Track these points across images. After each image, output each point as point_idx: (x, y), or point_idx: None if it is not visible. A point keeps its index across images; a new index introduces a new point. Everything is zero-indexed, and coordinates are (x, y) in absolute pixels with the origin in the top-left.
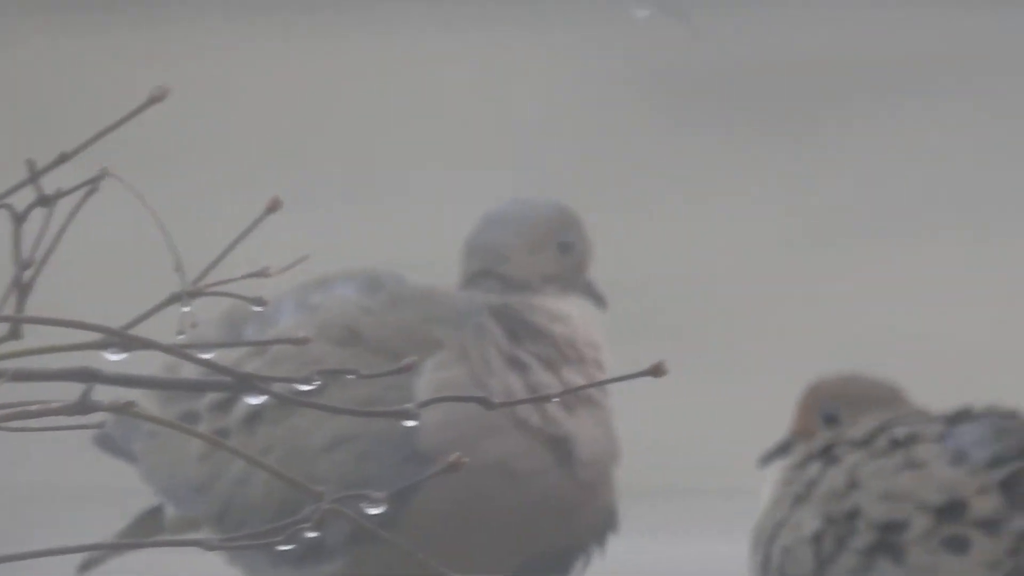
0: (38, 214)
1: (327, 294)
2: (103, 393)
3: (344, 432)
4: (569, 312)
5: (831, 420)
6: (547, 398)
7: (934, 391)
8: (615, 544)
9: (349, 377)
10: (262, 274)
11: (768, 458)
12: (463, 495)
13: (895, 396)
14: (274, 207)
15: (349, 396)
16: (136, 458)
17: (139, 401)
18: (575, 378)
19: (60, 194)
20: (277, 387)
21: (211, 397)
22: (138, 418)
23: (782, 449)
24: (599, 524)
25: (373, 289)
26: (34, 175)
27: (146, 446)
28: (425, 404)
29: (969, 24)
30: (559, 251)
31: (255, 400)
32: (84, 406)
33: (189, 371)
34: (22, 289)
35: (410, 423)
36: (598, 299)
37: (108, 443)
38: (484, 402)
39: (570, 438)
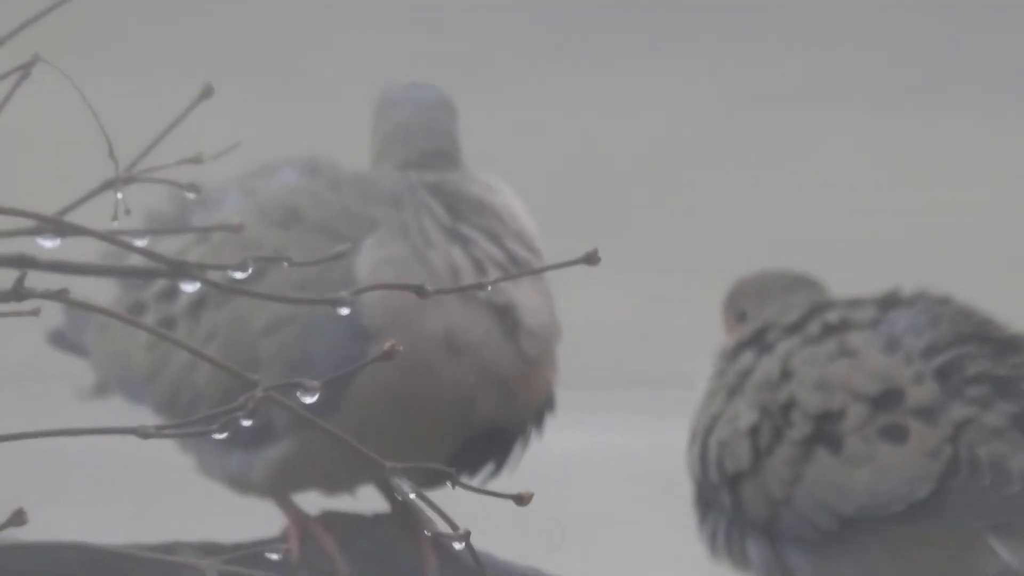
0: None
1: (269, 180)
2: (38, 280)
3: (285, 313)
4: (503, 187)
5: (742, 317)
6: (481, 286)
7: (868, 274)
8: (549, 434)
9: (284, 264)
10: (196, 160)
11: None
12: (407, 370)
13: (810, 287)
14: (207, 94)
15: (288, 278)
16: (88, 353)
17: (75, 290)
18: (518, 249)
19: None
20: (213, 274)
21: (157, 286)
22: (71, 305)
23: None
24: (540, 401)
25: (313, 173)
26: None
27: (96, 338)
28: (359, 291)
29: None
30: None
31: (190, 287)
32: (18, 293)
33: (136, 260)
34: None
35: (344, 310)
36: None
37: (61, 340)
38: (419, 290)
39: (515, 307)
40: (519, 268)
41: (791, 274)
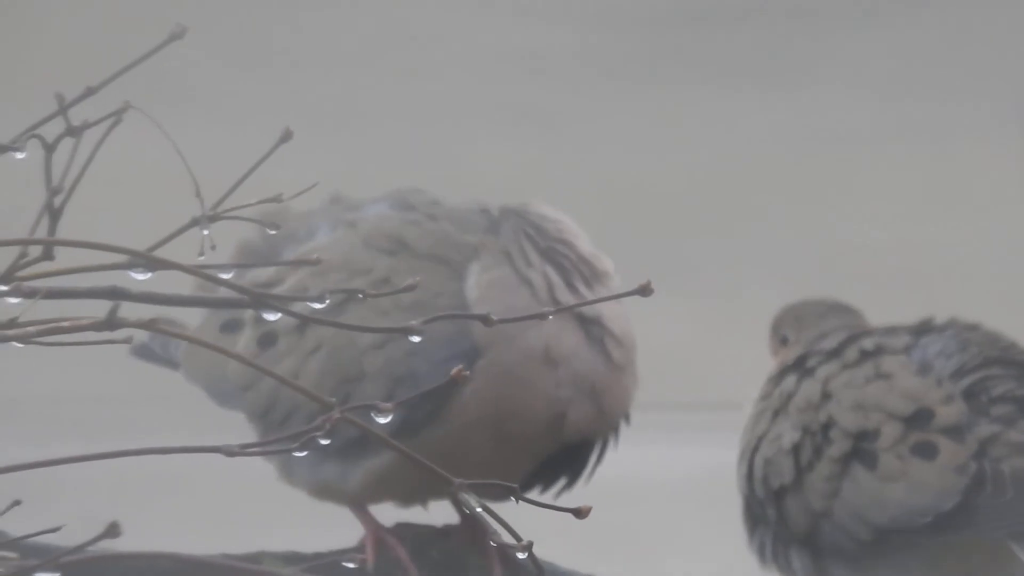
0: (67, 144)
1: (362, 212)
2: (129, 310)
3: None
4: (563, 215)
5: (784, 342)
6: (544, 315)
7: (908, 302)
8: (614, 454)
9: (359, 296)
10: (275, 200)
11: None
12: (509, 383)
13: (844, 313)
14: (286, 138)
15: (399, 302)
16: (177, 363)
17: (165, 314)
18: (594, 268)
19: (87, 125)
20: (296, 306)
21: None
22: (162, 333)
23: None
24: (623, 410)
25: (406, 206)
26: (63, 108)
27: (189, 350)
28: (429, 322)
29: None
30: None
31: (271, 317)
32: (112, 322)
33: (224, 291)
34: (53, 214)
35: (415, 338)
36: None
37: (146, 353)
38: (485, 319)
39: (601, 317)
40: (596, 288)
41: (827, 302)
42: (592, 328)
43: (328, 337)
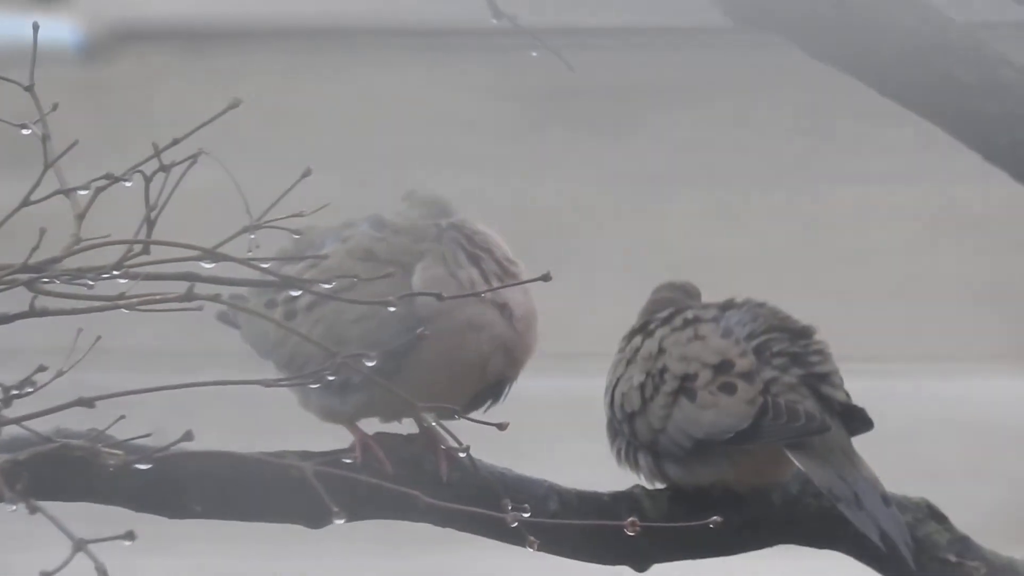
0: (160, 177)
1: (353, 229)
2: (201, 289)
3: (367, 311)
4: (487, 226)
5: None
6: (478, 294)
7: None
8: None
9: (353, 280)
10: (298, 215)
11: None
12: (446, 344)
13: (690, 295)
14: (307, 173)
15: (374, 290)
16: (239, 327)
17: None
18: (507, 267)
19: (173, 164)
20: (316, 287)
21: (283, 291)
22: (222, 304)
23: None
24: (524, 360)
25: (380, 225)
26: (157, 152)
27: (245, 320)
28: (402, 297)
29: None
30: None
31: (295, 293)
32: (189, 297)
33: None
34: (150, 223)
35: (392, 309)
36: None
37: (225, 318)
38: (438, 296)
39: (508, 303)
40: (507, 280)
41: (684, 287)
42: (503, 309)
43: (325, 315)
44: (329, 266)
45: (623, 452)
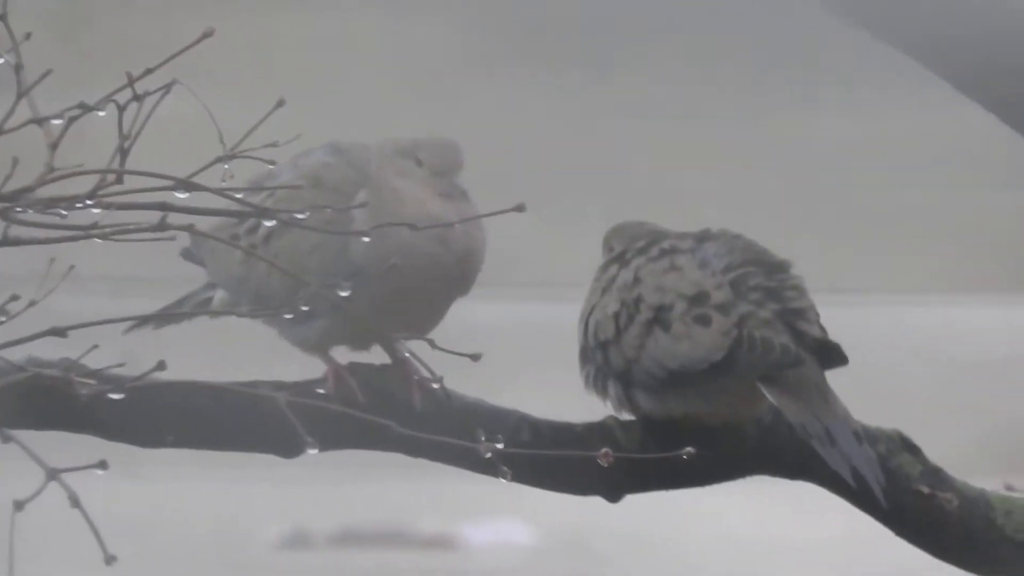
0: (133, 107)
1: (309, 158)
2: (174, 219)
3: (320, 241)
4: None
5: (612, 250)
6: (450, 224)
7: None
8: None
9: (318, 208)
10: (272, 145)
11: None
12: (398, 276)
13: (656, 230)
14: (281, 103)
15: (324, 219)
16: (204, 264)
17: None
18: (460, 199)
19: (147, 93)
20: (282, 216)
21: (247, 223)
22: (195, 235)
23: None
24: (467, 286)
25: (338, 152)
26: (130, 82)
27: (211, 256)
28: (378, 227)
29: None
30: None
31: (268, 223)
32: (162, 226)
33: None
34: (123, 153)
35: (366, 239)
36: None
37: (189, 255)
38: (412, 227)
39: (448, 233)
40: (460, 203)
41: (640, 222)
42: (443, 237)
43: (284, 246)
44: (282, 195)
45: (591, 377)
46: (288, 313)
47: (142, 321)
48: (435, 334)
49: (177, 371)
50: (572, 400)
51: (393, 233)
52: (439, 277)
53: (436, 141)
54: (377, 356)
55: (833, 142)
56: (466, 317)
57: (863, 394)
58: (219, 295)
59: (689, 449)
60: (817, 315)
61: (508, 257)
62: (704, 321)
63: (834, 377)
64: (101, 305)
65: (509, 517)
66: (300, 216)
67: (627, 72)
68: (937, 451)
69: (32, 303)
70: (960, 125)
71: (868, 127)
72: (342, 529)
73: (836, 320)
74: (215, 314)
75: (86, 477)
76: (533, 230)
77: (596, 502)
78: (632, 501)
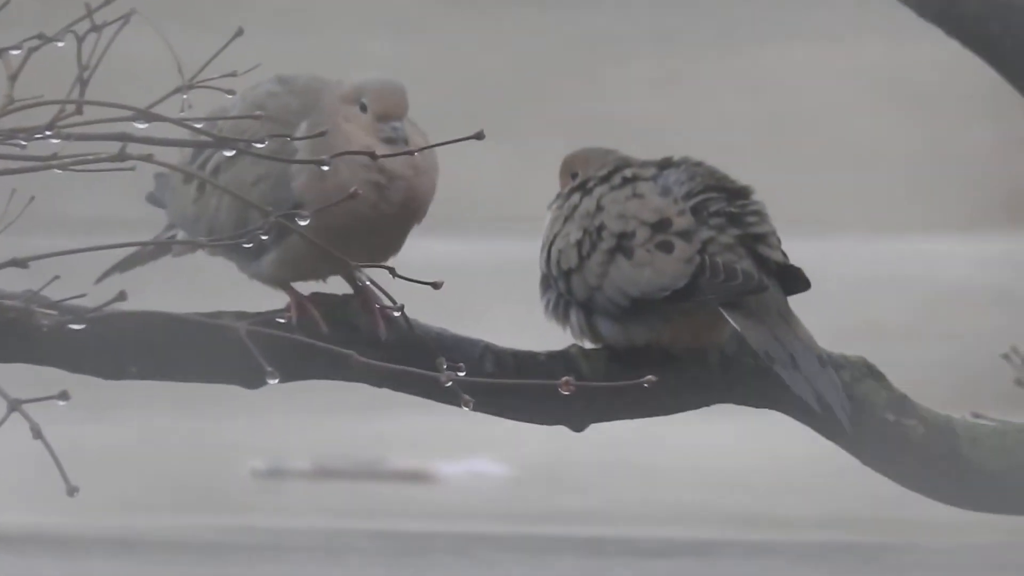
0: (91, 37)
1: (257, 89)
2: (134, 149)
3: (263, 172)
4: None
5: (575, 176)
6: (410, 152)
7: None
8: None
9: (288, 139)
10: (231, 75)
11: None
12: (345, 210)
13: (618, 157)
14: (239, 33)
15: (270, 148)
16: (165, 205)
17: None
18: (402, 144)
19: (105, 24)
20: (240, 146)
21: (200, 158)
22: (155, 164)
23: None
24: (413, 222)
25: (284, 82)
26: (89, 12)
27: (169, 197)
28: (336, 156)
29: None
30: None
31: (228, 153)
32: (122, 156)
33: (192, 137)
34: (83, 84)
35: (325, 168)
36: None
37: (152, 199)
38: (371, 155)
39: (386, 165)
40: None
41: (604, 149)
42: (382, 168)
43: (231, 179)
44: (228, 125)
45: (552, 304)
46: (247, 243)
47: (112, 270)
48: (397, 270)
49: (140, 303)
50: (537, 335)
51: (335, 172)
52: (377, 218)
53: (380, 86)
54: (337, 286)
55: (804, 71)
56: (428, 253)
57: (828, 321)
58: (180, 236)
59: (650, 377)
60: (779, 240)
61: (471, 193)
62: (666, 248)
63: (801, 304)
64: (62, 239)
65: (482, 450)
66: (258, 145)
67: (595, 2)
68: (903, 378)
69: None
70: (929, 55)
71: (839, 54)
72: (317, 463)
73: (802, 247)
74: (179, 252)
75: (59, 418)
76: (497, 165)
77: (561, 432)
78: (603, 433)
